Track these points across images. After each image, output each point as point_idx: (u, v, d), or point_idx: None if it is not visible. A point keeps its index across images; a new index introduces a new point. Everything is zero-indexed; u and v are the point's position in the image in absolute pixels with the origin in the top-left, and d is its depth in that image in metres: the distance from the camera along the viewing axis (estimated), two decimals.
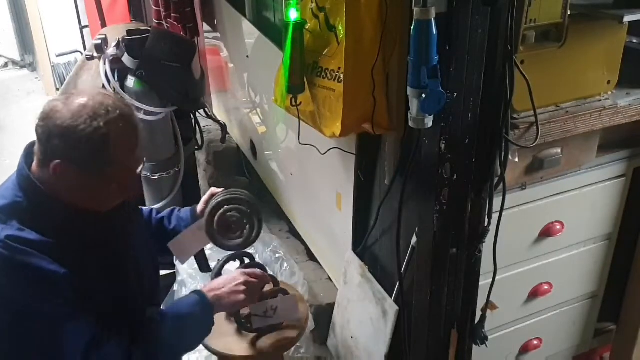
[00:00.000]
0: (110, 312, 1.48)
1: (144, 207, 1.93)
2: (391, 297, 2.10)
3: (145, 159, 1.67)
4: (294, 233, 3.05)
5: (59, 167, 1.36)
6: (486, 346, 1.94)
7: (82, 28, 5.29)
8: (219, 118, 3.53)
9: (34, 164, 1.42)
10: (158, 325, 1.56)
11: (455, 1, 1.44)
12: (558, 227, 2.01)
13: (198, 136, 3.21)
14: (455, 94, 1.55)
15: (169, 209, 1.92)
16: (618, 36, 1.79)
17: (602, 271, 2.24)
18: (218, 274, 1.96)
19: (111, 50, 2.65)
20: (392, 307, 2.09)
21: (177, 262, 2.78)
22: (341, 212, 2.36)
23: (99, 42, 2.69)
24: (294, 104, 1.94)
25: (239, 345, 1.96)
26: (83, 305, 1.40)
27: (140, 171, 1.54)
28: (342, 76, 1.77)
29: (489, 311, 1.92)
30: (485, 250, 1.81)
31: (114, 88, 2.63)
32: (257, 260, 2.16)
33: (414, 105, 1.47)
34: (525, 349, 2.25)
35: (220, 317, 1.88)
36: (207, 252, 2.80)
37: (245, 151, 3.59)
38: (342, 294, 2.43)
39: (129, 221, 1.63)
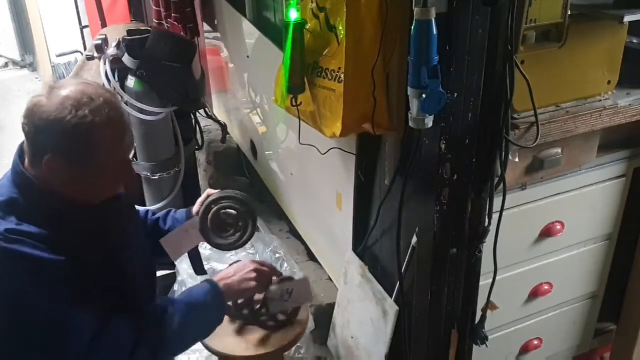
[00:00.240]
0: (115, 302, 1.48)
1: (140, 208, 1.93)
2: (391, 297, 2.10)
3: (135, 144, 1.65)
4: (294, 233, 3.05)
5: (50, 162, 1.36)
6: (486, 346, 1.94)
7: (82, 28, 5.28)
8: (219, 118, 3.53)
9: (26, 162, 1.42)
10: (169, 312, 1.56)
11: (455, 1, 1.45)
12: (558, 227, 2.01)
13: (198, 136, 3.21)
14: (455, 94, 1.55)
15: (165, 210, 1.92)
16: (618, 36, 1.79)
17: (602, 271, 2.24)
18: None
19: (111, 50, 2.65)
20: (392, 307, 2.09)
21: (177, 262, 2.78)
22: (341, 212, 2.36)
23: (99, 42, 2.69)
24: (294, 104, 1.94)
25: (239, 345, 1.96)
26: (86, 292, 1.40)
27: (131, 158, 1.53)
28: (342, 76, 1.77)
29: (489, 311, 1.92)
30: (485, 250, 1.81)
31: (114, 88, 2.63)
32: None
33: (414, 105, 1.47)
34: (525, 349, 2.25)
35: None
36: (207, 252, 2.82)
37: (245, 151, 3.59)
38: (342, 294, 2.43)
39: (125, 219, 1.63)
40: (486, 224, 1.76)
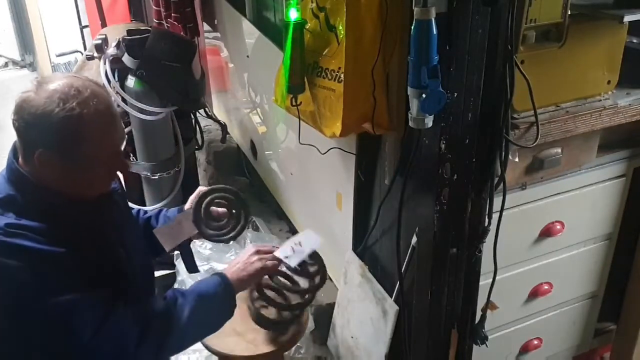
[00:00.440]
0: (118, 295, 1.47)
1: (133, 206, 1.93)
2: (391, 297, 2.10)
3: (126, 137, 1.64)
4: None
5: (41, 156, 1.36)
6: (486, 346, 1.94)
7: (82, 28, 5.28)
8: (219, 118, 3.53)
9: (20, 159, 1.42)
10: (178, 304, 1.55)
11: (455, 1, 1.45)
12: (558, 227, 2.01)
13: (198, 136, 3.21)
14: (455, 94, 1.55)
15: (157, 210, 1.93)
16: (618, 36, 1.79)
17: (602, 271, 2.24)
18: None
19: (111, 50, 2.65)
20: (392, 307, 2.09)
21: (177, 262, 2.78)
22: (341, 212, 2.36)
23: (99, 42, 2.69)
24: (294, 103, 1.94)
25: (239, 345, 1.96)
26: (87, 284, 1.40)
27: (123, 149, 1.53)
28: (342, 76, 1.77)
29: (489, 311, 1.92)
30: (485, 250, 1.81)
31: (114, 88, 2.63)
32: None
33: (414, 105, 1.47)
34: (525, 348, 2.25)
35: None
36: (207, 252, 2.82)
37: (245, 151, 3.59)
38: (342, 294, 2.43)
39: (120, 215, 1.63)
40: (486, 224, 1.76)
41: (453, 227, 1.74)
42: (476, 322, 1.92)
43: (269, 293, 1.97)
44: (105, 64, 2.66)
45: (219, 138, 3.48)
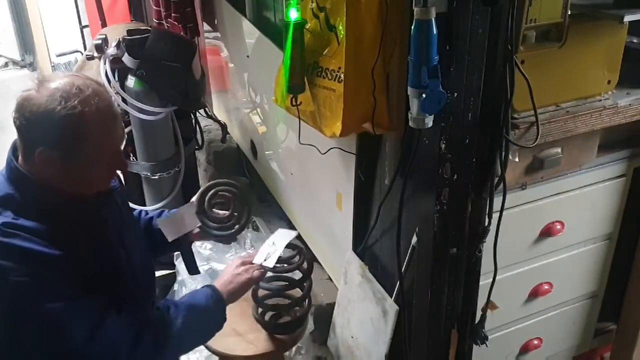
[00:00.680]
0: (115, 299, 1.48)
1: (134, 206, 1.94)
2: (391, 297, 2.10)
3: (125, 136, 1.64)
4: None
5: (42, 154, 1.36)
6: (486, 346, 1.94)
7: (82, 28, 5.28)
8: (219, 118, 3.53)
9: (20, 158, 1.43)
10: (171, 314, 1.56)
11: (455, 1, 1.44)
12: (558, 227, 2.01)
13: (198, 136, 3.21)
14: (455, 94, 1.55)
15: (158, 210, 1.93)
16: (618, 36, 1.79)
17: (602, 271, 2.24)
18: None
19: (111, 50, 2.65)
20: (392, 307, 2.09)
21: (177, 262, 2.78)
22: (341, 212, 2.36)
23: (99, 42, 2.69)
24: (294, 103, 1.94)
25: (239, 345, 1.96)
26: (83, 287, 1.40)
27: (123, 149, 1.54)
28: (342, 76, 1.77)
29: (489, 311, 1.92)
30: (486, 250, 1.81)
31: (114, 88, 2.63)
32: None
33: (414, 105, 1.47)
34: (525, 348, 2.25)
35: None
36: (207, 252, 2.82)
37: (245, 151, 3.59)
38: (342, 293, 2.43)
39: (121, 214, 1.63)
40: (486, 224, 1.76)
41: (453, 227, 1.74)
42: (476, 322, 1.92)
43: (271, 301, 1.99)
44: (105, 64, 2.66)
45: (219, 138, 3.48)
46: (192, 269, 1.99)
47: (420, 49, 1.40)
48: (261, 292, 2.01)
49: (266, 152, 3.18)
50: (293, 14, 1.80)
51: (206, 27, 3.58)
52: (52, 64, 6.01)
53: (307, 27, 1.83)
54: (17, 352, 1.41)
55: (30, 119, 1.35)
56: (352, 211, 2.25)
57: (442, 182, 1.66)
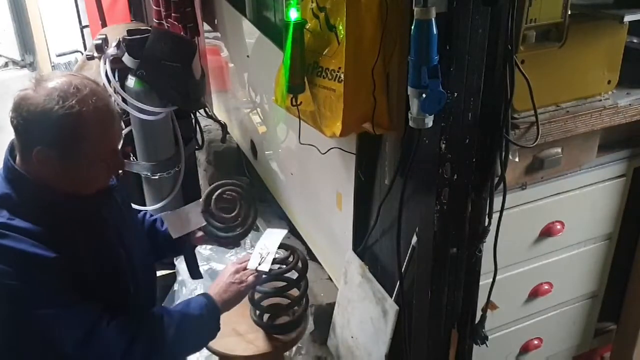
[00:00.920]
0: (110, 303, 1.47)
1: (138, 207, 1.94)
2: (391, 297, 2.10)
3: (123, 135, 1.63)
4: (294, 233, 3.05)
5: (40, 154, 1.36)
6: (486, 346, 1.94)
7: (82, 28, 5.28)
8: (219, 118, 3.53)
9: (17, 158, 1.42)
10: (165, 322, 1.56)
11: (455, 1, 1.44)
12: (558, 227, 2.01)
13: (198, 136, 3.21)
14: (456, 93, 1.55)
15: (162, 213, 1.93)
16: (618, 36, 1.79)
17: (602, 271, 2.24)
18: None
19: (111, 50, 2.65)
20: (392, 307, 2.09)
21: (177, 262, 2.78)
22: (341, 212, 2.36)
23: (99, 42, 2.69)
24: (294, 103, 1.94)
25: (239, 345, 1.96)
26: (77, 291, 1.40)
27: (123, 148, 1.54)
28: (342, 76, 1.77)
29: (489, 311, 1.92)
30: (486, 250, 1.81)
31: (114, 88, 2.63)
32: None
33: (414, 105, 1.47)
34: (525, 348, 2.25)
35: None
36: (207, 252, 2.82)
37: (245, 151, 3.59)
38: (342, 293, 2.43)
39: (120, 213, 1.63)
40: (486, 223, 1.76)
41: (453, 227, 1.74)
42: (476, 322, 1.92)
43: (268, 302, 1.99)
44: (105, 63, 2.66)
45: (219, 138, 3.48)
46: (195, 274, 1.99)
47: (420, 49, 1.40)
48: (257, 294, 2.01)
49: (266, 152, 3.18)
50: (293, 14, 1.80)
51: (206, 27, 3.58)
52: (52, 64, 6.01)
53: (307, 27, 1.83)
54: (10, 356, 1.41)
55: (27, 119, 1.34)
56: (352, 211, 2.25)
57: (442, 182, 1.66)
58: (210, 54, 3.62)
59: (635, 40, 2.02)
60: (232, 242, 1.93)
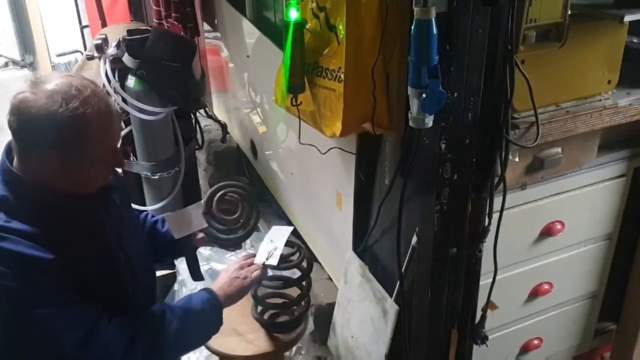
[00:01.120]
0: (110, 303, 1.47)
1: (138, 208, 1.94)
2: (391, 297, 2.10)
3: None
4: (294, 233, 3.05)
5: (41, 156, 1.36)
6: (486, 346, 1.94)
7: (82, 28, 5.28)
8: (219, 118, 3.53)
9: (15, 161, 1.41)
10: (167, 318, 1.56)
11: (455, 1, 1.44)
12: (558, 227, 2.01)
13: (198, 136, 3.21)
14: (456, 93, 1.55)
15: (164, 214, 1.93)
16: (618, 36, 1.79)
17: (602, 271, 2.24)
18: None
19: (111, 50, 2.65)
20: (392, 307, 2.09)
21: (177, 262, 2.78)
22: (341, 212, 2.36)
23: (99, 42, 2.69)
24: (294, 103, 1.94)
25: (239, 345, 1.96)
26: (76, 292, 1.40)
27: (123, 149, 1.54)
28: (342, 76, 1.77)
29: (489, 311, 1.92)
30: (486, 250, 1.81)
31: (114, 88, 2.63)
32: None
33: (414, 105, 1.47)
34: (525, 348, 2.25)
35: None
36: (207, 252, 2.82)
37: (245, 151, 3.59)
38: (343, 293, 2.43)
39: (119, 212, 1.63)
40: (486, 223, 1.76)
41: (453, 227, 1.74)
42: (476, 322, 1.92)
43: (271, 301, 1.99)
44: (105, 64, 2.66)
45: (219, 138, 3.48)
46: (197, 275, 1.99)
47: (420, 49, 1.40)
48: (261, 291, 2.01)
49: (266, 152, 3.18)
50: (293, 14, 1.80)
51: (206, 27, 3.58)
52: (52, 64, 6.01)
53: (307, 27, 1.83)
54: (10, 356, 1.40)
55: (28, 121, 1.33)
56: (352, 211, 2.25)
57: (442, 182, 1.66)
58: (210, 54, 3.62)
59: (635, 40, 2.02)
60: (233, 244, 1.93)
